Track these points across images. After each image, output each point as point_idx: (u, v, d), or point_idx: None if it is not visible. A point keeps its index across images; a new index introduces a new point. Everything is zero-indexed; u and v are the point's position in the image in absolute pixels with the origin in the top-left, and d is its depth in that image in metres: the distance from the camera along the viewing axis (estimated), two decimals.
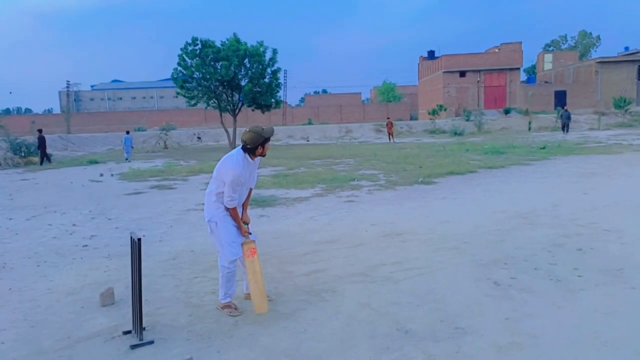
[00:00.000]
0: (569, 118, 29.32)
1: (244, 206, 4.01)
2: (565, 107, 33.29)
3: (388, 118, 34.76)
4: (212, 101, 29.07)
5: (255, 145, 3.77)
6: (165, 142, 32.59)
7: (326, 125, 44.51)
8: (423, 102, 56.75)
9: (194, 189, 11.05)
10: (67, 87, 68.78)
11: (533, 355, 3.01)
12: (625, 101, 38.45)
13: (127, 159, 21.75)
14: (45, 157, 21.34)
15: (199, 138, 39.57)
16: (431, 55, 59.18)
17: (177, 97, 52.10)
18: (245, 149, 3.80)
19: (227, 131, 29.23)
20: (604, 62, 50.13)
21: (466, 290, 4.10)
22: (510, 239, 5.68)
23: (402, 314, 3.69)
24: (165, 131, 33.80)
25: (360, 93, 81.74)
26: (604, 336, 3.21)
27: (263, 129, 3.84)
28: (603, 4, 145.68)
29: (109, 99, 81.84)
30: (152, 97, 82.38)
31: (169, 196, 10.24)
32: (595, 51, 76.40)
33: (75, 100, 76.06)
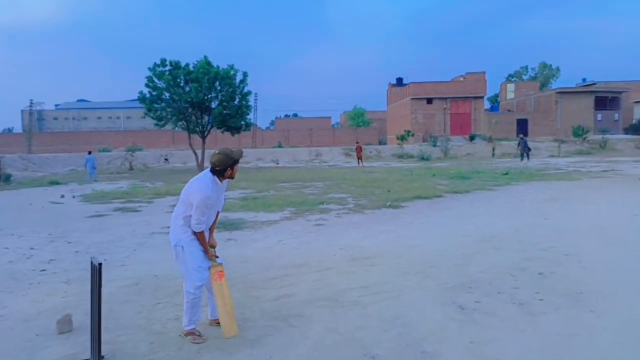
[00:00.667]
0: (525, 145, 30.32)
1: (211, 229, 3.96)
2: (521, 135, 34.48)
3: (357, 142, 35.19)
4: (180, 122, 28.81)
5: (224, 167, 3.74)
6: (130, 163, 31.94)
7: (296, 149, 44.67)
8: (391, 127, 57.85)
9: (160, 212, 10.83)
10: (30, 105, 66.83)
11: None
12: (583, 130, 40.24)
13: (92, 180, 21.24)
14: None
15: (166, 159, 38.96)
16: (399, 82, 60.71)
17: (144, 117, 51.35)
18: (214, 171, 3.76)
19: (195, 153, 28.93)
20: (563, 92, 52.54)
21: (432, 315, 4.14)
22: (474, 263, 5.79)
23: (369, 338, 3.68)
24: (131, 152, 33.17)
25: (330, 117, 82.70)
26: (566, 358, 3.29)
27: (232, 150, 3.84)
28: (562, 37, 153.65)
29: (73, 118, 79.87)
30: (118, 118, 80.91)
31: (132, 219, 10.00)
32: (555, 81, 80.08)
33: (38, 119, 73.86)
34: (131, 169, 31.14)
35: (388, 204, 11.13)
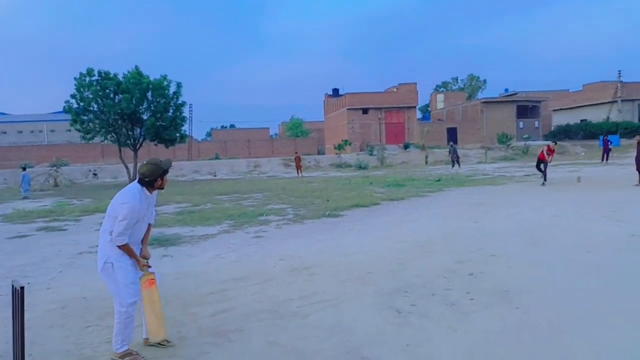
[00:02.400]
0: (455, 152, 31.85)
1: (143, 242, 3.86)
2: (451, 143, 36.21)
3: (296, 153, 35.38)
4: (110, 135, 27.60)
5: (154, 178, 3.68)
6: (55, 179, 30.09)
7: (234, 160, 44.11)
8: (329, 137, 58.69)
9: (88, 230, 10.28)
10: None
11: None
12: (507, 137, 42.92)
13: (25, 196, 20.04)
14: None
15: (94, 174, 37.06)
16: (336, 92, 61.89)
17: (70, 130, 48.57)
18: (142, 182, 3.68)
19: (126, 167, 27.80)
20: (487, 102, 55.96)
21: (370, 320, 4.25)
22: (410, 268, 6.00)
23: (309, 348, 3.71)
24: (55, 167, 31.26)
25: (268, 128, 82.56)
26: (495, 355, 3.49)
27: (161, 160, 3.78)
28: (489, 50, 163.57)
29: None
30: (41, 131, 75.92)
31: (58, 239, 9.42)
32: (482, 92, 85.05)
33: None
34: (56, 185, 29.33)
35: (327, 213, 11.26)
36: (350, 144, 46.91)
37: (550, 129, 57.85)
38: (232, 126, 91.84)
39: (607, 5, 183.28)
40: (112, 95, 26.23)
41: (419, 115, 62.92)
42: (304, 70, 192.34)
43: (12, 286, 3.11)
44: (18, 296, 3.03)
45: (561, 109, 60.23)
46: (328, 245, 7.67)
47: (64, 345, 3.98)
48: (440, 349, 3.60)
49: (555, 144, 19.22)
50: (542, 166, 16.94)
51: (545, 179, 16.63)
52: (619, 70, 51.97)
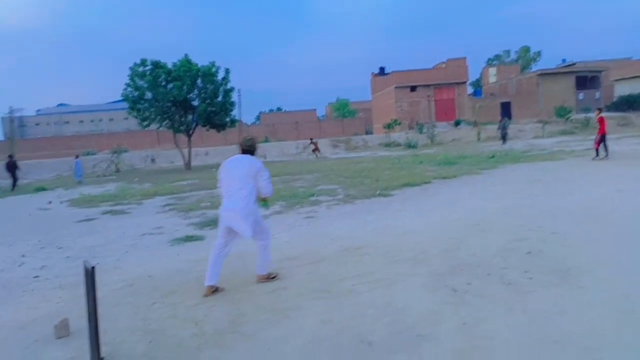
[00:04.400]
0: (504, 128, 30.61)
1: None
2: (500, 119, 34.68)
3: (311, 139, 35.52)
4: (165, 122, 28.60)
5: (255, 149, 4.96)
6: (117, 165, 31.66)
7: (283, 142, 44.59)
8: (377, 117, 57.96)
9: (150, 213, 10.79)
10: (10, 112, 65.67)
11: (489, 357, 3.14)
12: (566, 110, 40.74)
13: (80, 182, 21.37)
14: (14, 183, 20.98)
15: (152, 160, 38.67)
16: (382, 71, 60.65)
17: (127, 119, 50.79)
18: (249, 152, 4.91)
19: (181, 152, 28.78)
20: (543, 74, 53.01)
21: (424, 299, 4.23)
22: (464, 247, 5.89)
23: (363, 327, 3.75)
24: (116, 154, 32.87)
25: (315, 109, 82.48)
26: (554, 335, 3.39)
27: (253, 137, 5.08)
28: (543, 20, 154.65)
29: (55, 123, 78.66)
30: (100, 120, 79.78)
31: (122, 221, 9.96)
32: (536, 64, 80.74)
33: (19, 126, 72.61)
34: (117, 171, 30.87)
35: (377, 192, 11.21)
36: (399, 123, 46.18)
37: (612, 100, 54.30)
38: (279, 109, 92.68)
39: None
40: (164, 84, 27.08)
41: (470, 90, 60.79)
42: (349, 50, 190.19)
43: (84, 266, 3.34)
44: (90, 275, 3.25)
45: (624, 79, 56.15)
46: (379, 225, 7.65)
47: (133, 321, 4.23)
48: (498, 328, 3.53)
49: (600, 111, 17.66)
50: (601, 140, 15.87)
51: (604, 154, 15.68)
52: None
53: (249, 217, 4.69)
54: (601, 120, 15.95)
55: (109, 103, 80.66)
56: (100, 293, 3.84)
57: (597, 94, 52.53)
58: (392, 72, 52.80)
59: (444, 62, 55.23)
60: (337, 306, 4.23)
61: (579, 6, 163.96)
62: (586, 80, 52.44)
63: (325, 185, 13.66)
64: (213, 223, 8.48)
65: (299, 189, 13.04)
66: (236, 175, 4.73)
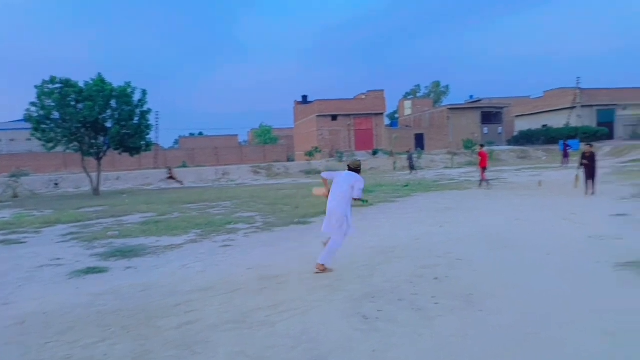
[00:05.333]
0: (411, 159, 32.50)
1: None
2: (409, 149, 36.73)
3: (169, 168, 35.41)
4: (72, 144, 26.79)
5: (360, 169, 6.64)
6: (15, 190, 28.97)
7: (202, 168, 43.53)
8: (299, 144, 58.76)
9: (49, 242, 9.92)
10: None
11: None
12: (472, 142, 43.98)
13: None
14: None
15: (56, 184, 35.87)
16: (305, 99, 61.95)
17: (30, 140, 46.90)
18: (355, 170, 6.56)
19: (89, 176, 27.00)
20: (453, 109, 57.21)
21: (338, 327, 4.26)
22: (378, 273, 6.06)
23: (276, 357, 3.70)
24: (15, 178, 30.11)
25: (237, 135, 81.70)
26: (460, 357, 3.56)
27: (359, 161, 6.90)
28: (452, 57, 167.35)
29: None
30: (0, 141, 73.13)
31: (17, 252, 9.05)
32: (446, 98, 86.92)
33: None
34: (15, 196, 28.23)
35: (296, 220, 11.24)
36: (320, 151, 47.09)
37: (512, 134, 59.61)
38: (200, 134, 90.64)
39: (565, 15, 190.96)
40: (73, 103, 25.51)
41: (387, 121, 63.75)
42: (274, 77, 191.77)
43: None
44: None
45: (523, 115, 62.21)
46: (297, 253, 7.66)
47: None
48: (407, 354, 3.64)
49: (482, 146, 20.31)
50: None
51: (479, 183, 18.01)
52: (578, 77, 54.29)
53: (342, 218, 6.30)
54: (482, 155, 18.16)
55: (10, 122, 74.21)
56: None
57: (500, 129, 57.45)
58: (315, 100, 54.09)
59: (364, 94, 57.59)
60: (251, 337, 4.13)
61: (485, 45, 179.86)
62: (491, 115, 57.21)
63: (244, 212, 13.47)
64: (119, 253, 8.02)
65: (216, 216, 12.73)
66: (343, 185, 6.41)
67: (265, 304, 5.01)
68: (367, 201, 7.30)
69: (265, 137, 73.87)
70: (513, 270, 5.96)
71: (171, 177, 32.88)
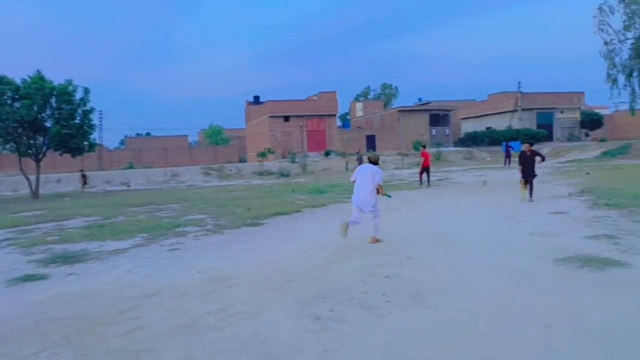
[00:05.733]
0: (360, 160, 33.08)
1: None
2: (358, 150, 37.32)
3: (82, 170, 34.25)
4: (8, 144, 25.29)
5: (378, 162, 8.23)
6: None
7: (150, 169, 42.26)
8: (251, 145, 58.23)
9: None
10: None
11: None
12: (421, 144, 45.21)
13: None
14: None
15: None
16: (257, 100, 61.53)
17: None
18: (375, 164, 8.11)
19: (28, 179, 25.56)
20: (403, 111, 58.63)
21: (289, 329, 4.24)
22: (329, 274, 6.08)
23: None
24: None
25: (187, 135, 79.89)
26: (409, 354, 3.62)
27: (376, 153, 8.65)
28: (400, 60, 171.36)
29: None
30: None
31: None
32: (395, 100, 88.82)
33: None
34: None
35: (248, 222, 11.12)
36: (272, 152, 46.88)
37: (459, 136, 61.79)
38: (148, 134, 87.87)
39: (509, 19, 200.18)
40: (10, 102, 24.08)
41: (339, 123, 64.37)
42: (225, 77, 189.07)
43: None
44: None
45: (469, 117, 64.64)
46: (248, 255, 7.57)
47: None
48: (356, 352, 3.67)
49: (424, 147, 21.29)
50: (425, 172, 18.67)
51: (426, 183, 19.13)
52: (519, 82, 56.99)
53: (370, 201, 7.81)
54: (425, 155, 18.95)
55: None
56: None
57: (447, 131, 59.43)
58: (267, 101, 53.80)
59: (316, 95, 57.91)
60: (199, 342, 4.03)
61: (432, 48, 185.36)
62: (438, 117, 59.07)
63: (194, 215, 13.18)
64: (60, 259, 7.64)
65: (164, 219, 12.37)
66: (365, 177, 7.80)
67: (214, 308, 4.91)
68: (390, 196, 8.51)
69: (216, 137, 72.77)
70: (459, 267, 6.15)
71: (85, 182, 31.22)
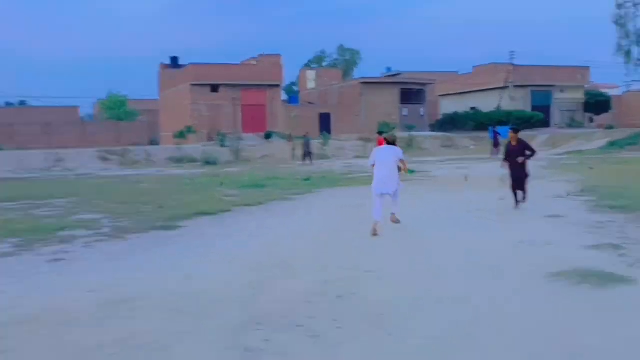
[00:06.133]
0: (308, 146, 33.48)
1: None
2: (306, 133, 37.75)
3: None
4: None
5: (395, 141, 10.19)
6: None
7: (25, 152, 40.58)
8: (166, 122, 57.04)
9: None
10: None
11: None
12: (389, 127, 45.98)
13: None
14: None
15: None
16: (175, 62, 59.96)
17: None
18: (393, 144, 10.04)
19: None
20: (367, 83, 59.01)
21: None
22: (265, 293, 6.12)
23: None
24: None
25: (77, 107, 77.20)
26: None
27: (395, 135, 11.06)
28: (365, 17, 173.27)
29: None
30: None
31: None
32: (358, 70, 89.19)
33: None
34: None
35: (159, 224, 11.03)
36: (194, 131, 46.21)
37: (437, 118, 63.23)
38: (22, 103, 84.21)
39: None
40: None
41: (284, 96, 64.15)
42: (130, 30, 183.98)
43: None
44: None
45: (449, 94, 66.32)
46: (157, 269, 7.51)
47: None
48: None
49: (380, 133, 21.56)
50: None
51: None
52: (512, 51, 58.76)
53: (394, 181, 9.58)
54: (380, 143, 19.30)
55: None
56: None
57: (422, 110, 60.49)
58: (189, 64, 52.83)
59: (255, 58, 57.29)
60: None
61: (406, 3, 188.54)
62: (411, 93, 60.01)
63: (86, 214, 12.87)
64: None
65: (43, 219, 12.01)
66: (387, 158, 9.68)
67: (110, 339, 4.82)
68: (414, 171, 10.65)
69: (118, 110, 70.54)
70: (428, 283, 6.35)
71: None
